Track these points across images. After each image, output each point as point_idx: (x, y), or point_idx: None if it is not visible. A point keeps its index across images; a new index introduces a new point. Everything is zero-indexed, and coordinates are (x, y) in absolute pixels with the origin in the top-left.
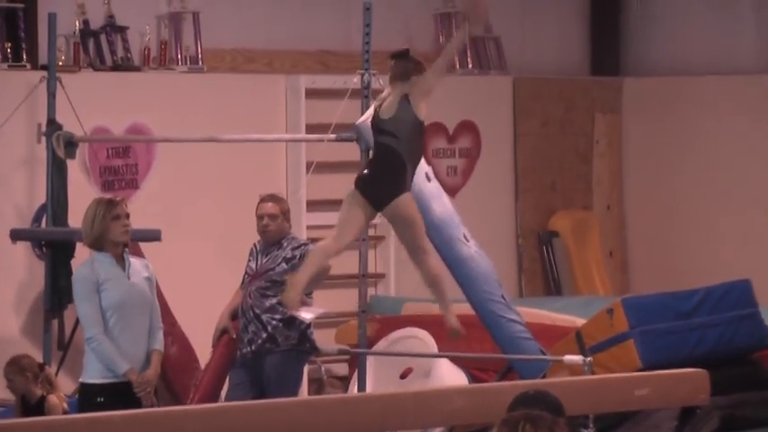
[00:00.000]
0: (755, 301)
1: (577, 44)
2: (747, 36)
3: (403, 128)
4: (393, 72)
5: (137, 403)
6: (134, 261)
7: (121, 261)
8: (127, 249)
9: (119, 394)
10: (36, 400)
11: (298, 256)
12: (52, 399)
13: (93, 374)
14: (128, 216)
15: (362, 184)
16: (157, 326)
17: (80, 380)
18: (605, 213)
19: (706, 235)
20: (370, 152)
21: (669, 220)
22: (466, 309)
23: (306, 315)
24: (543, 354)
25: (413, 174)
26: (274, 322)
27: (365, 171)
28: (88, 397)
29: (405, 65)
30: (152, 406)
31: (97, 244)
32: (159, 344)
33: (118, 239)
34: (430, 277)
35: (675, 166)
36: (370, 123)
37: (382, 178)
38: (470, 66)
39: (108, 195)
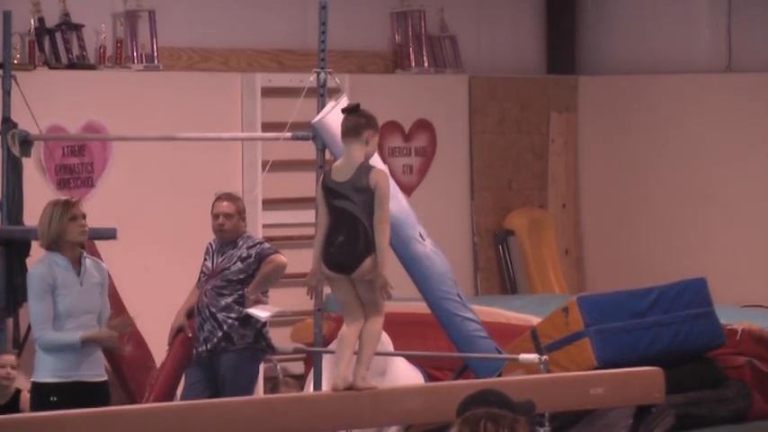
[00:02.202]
0: (710, 299)
1: (533, 43)
2: (702, 35)
3: (358, 196)
4: (345, 126)
5: (89, 403)
6: (89, 264)
7: (77, 264)
8: (84, 251)
9: (72, 394)
10: (8, 399)
11: (253, 255)
12: (26, 395)
13: (45, 374)
14: (84, 216)
15: (327, 260)
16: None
17: (32, 379)
18: (561, 212)
19: (662, 233)
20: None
21: (625, 219)
22: (422, 307)
23: (262, 314)
24: (499, 352)
25: (373, 233)
26: (230, 321)
27: (329, 245)
28: (41, 396)
29: (356, 119)
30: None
31: (54, 246)
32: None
33: (75, 240)
34: (364, 332)
35: (631, 165)
36: (322, 185)
37: (344, 245)
38: (426, 64)
39: (64, 196)
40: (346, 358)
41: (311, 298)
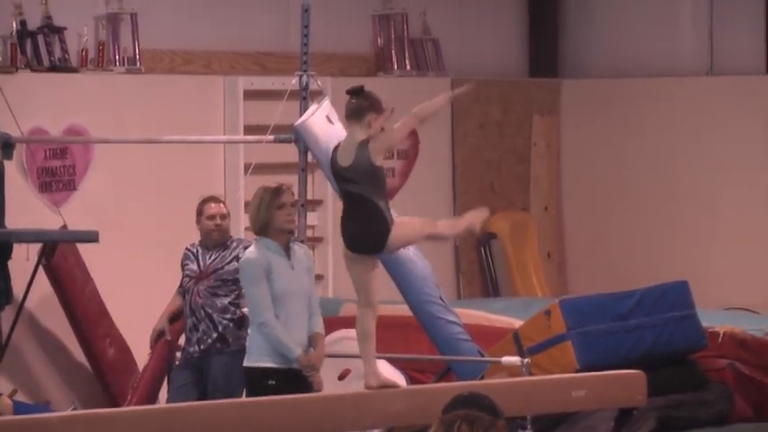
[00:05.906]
0: (692, 302)
1: (516, 46)
2: (685, 38)
3: (363, 176)
4: (348, 109)
5: (305, 387)
6: (297, 249)
7: (287, 249)
8: (292, 237)
9: (287, 380)
10: None
11: None
12: (5, 399)
13: (262, 359)
14: (293, 204)
15: (350, 243)
16: (316, 311)
17: (247, 364)
18: (543, 215)
19: (643, 236)
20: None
21: (607, 222)
22: (404, 310)
23: None
24: (481, 355)
25: (387, 207)
26: (225, 322)
27: (345, 228)
28: (258, 380)
29: (359, 102)
30: (319, 386)
31: (263, 231)
32: (320, 327)
33: (282, 227)
34: (360, 331)
35: (613, 168)
36: (331, 169)
37: (362, 227)
38: (408, 67)
39: (274, 184)
40: (373, 354)
41: None
